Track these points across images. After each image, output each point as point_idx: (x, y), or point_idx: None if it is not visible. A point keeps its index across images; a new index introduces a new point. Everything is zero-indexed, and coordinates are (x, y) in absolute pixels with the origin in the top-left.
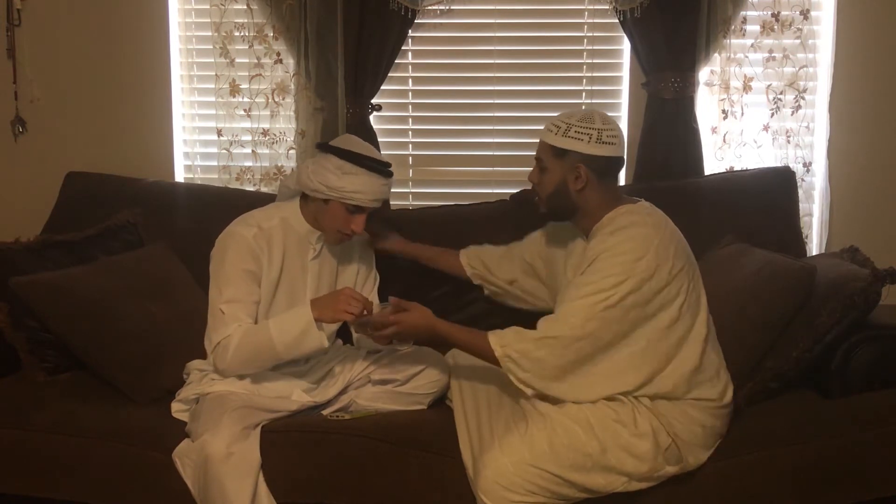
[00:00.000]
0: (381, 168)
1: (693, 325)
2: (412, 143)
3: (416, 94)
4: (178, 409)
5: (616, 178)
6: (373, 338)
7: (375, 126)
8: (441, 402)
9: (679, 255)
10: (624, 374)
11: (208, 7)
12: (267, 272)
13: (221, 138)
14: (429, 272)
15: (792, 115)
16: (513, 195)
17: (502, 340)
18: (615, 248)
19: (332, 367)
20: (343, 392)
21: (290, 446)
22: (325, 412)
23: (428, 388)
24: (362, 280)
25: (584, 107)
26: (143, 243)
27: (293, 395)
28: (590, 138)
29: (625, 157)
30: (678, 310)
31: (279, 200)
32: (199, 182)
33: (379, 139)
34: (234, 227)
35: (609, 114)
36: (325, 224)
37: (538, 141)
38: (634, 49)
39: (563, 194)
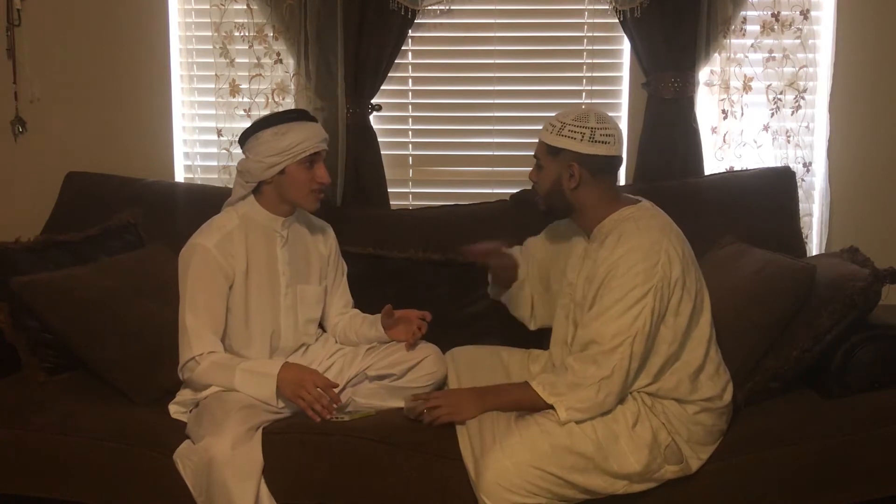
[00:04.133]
0: (304, 115)
1: (698, 326)
2: (412, 143)
3: (416, 94)
4: (176, 411)
5: (613, 177)
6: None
7: (375, 126)
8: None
9: (686, 256)
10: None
11: (208, 7)
12: (237, 273)
13: (221, 138)
14: (427, 272)
15: (792, 115)
16: (513, 195)
17: (560, 399)
18: (628, 258)
19: (330, 367)
20: (341, 391)
21: (291, 448)
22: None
23: (425, 380)
24: (333, 268)
25: (584, 106)
26: (143, 243)
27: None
28: (582, 137)
29: (622, 155)
30: (689, 310)
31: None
32: (199, 182)
33: (379, 139)
34: (195, 238)
35: (609, 114)
36: (295, 193)
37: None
38: (634, 49)
39: (558, 193)
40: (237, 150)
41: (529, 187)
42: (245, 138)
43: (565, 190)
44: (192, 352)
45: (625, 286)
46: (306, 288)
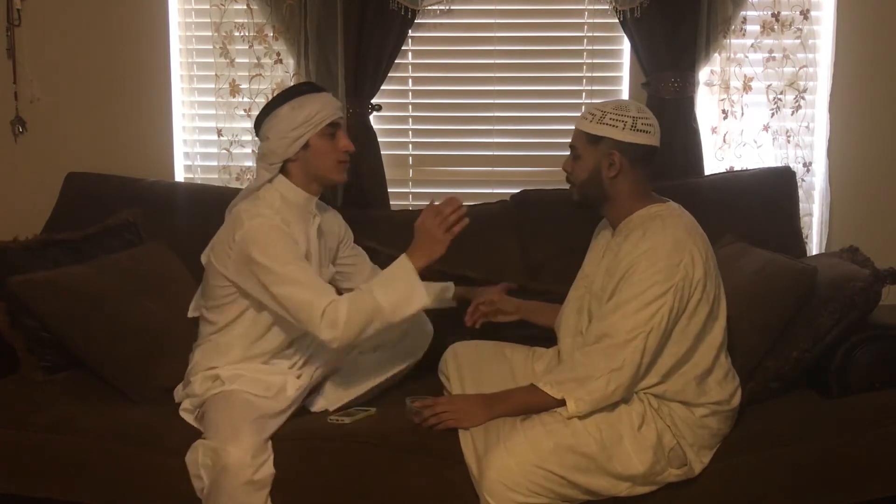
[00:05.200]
0: (314, 87)
1: (711, 331)
2: (412, 143)
3: (416, 94)
4: (185, 408)
5: (649, 170)
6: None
7: (375, 126)
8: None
9: (709, 260)
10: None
11: (208, 7)
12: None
13: (221, 138)
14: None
15: (792, 115)
16: (513, 195)
17: (570, 393)
18: (651, 255)
19: (311, 350)
20: (334, 374)
21: (292, 453)
22: (314, 409)
23: (422, 339)
24: (347, 246)
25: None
26: (143, 243)
27: (288, 388)
28: (624, 125)
29: (659, 146)
30: (705, 314)
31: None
32: (199, 182)
33: (379, 139)
34: (257, 219)
35: None
36: (321, 165)
37: (572, 129)
38: (634, 49)
39: (595, 181)
40: (237, 150)
41: (530, 187)
42: (261, 121)
43: (604, 178)
44: (323, 301)
45: (645, 281)
46: (323, 270)
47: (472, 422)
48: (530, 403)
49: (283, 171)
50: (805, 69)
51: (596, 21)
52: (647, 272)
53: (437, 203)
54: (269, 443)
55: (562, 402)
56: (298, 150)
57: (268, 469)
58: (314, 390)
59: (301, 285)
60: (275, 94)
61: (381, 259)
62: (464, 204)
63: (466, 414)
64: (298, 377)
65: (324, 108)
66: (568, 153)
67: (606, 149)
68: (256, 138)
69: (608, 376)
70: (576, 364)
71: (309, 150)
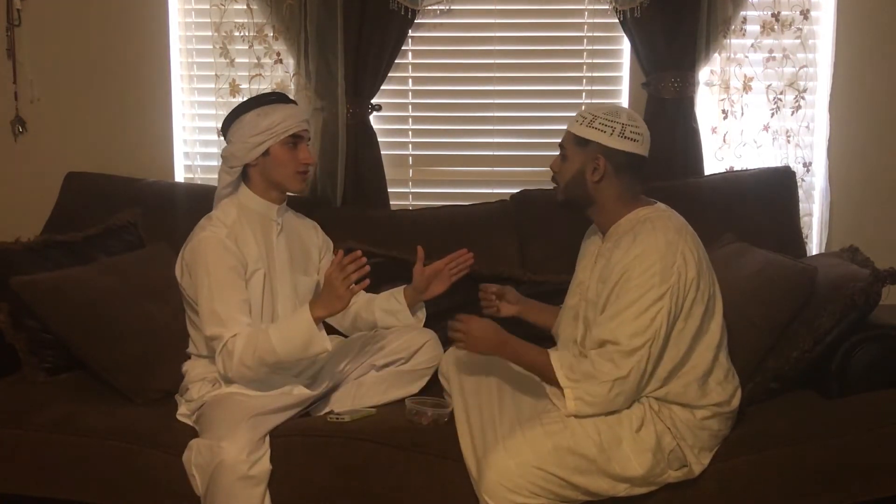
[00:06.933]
0: (284, 97)
1: (708, 330)
2: (412, 143)
3: (416, 94)
4: (181, 413)
5: (636, 177)
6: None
7: (375, 126)
8: (440, 398)
9: (702, 258)
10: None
11: (208, 7)
12: (249, 263)
13: (221, 138)
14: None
15: (792, 115)
16: (513, 195)
17: (574, 385)
18: (644, 259)
19: (321, 364)
20: (342, 384)
21: (292, 451)
22: (321, 412)
23: (429, 362)
24: (329, 259)
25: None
26: (144, 243)
27: (294, 391)
28: (612, 131)
29: (647, 157)
30: (700, 314)
31: (219, 199)
32: (199, 182)
33: (379, 139)
34: (202, 232)
35: None
36: (279, 173)
37: (564, 129)
38: (634, 49)
39: (579, 184)
40: None
41: (530, 187)
42: (227, 125)
43: (588, 182)
44: (227, 333)
45: (642, 286)
46: (301, 278)
47: (476, 348)
48: (537, 367)
49: (244, 175)
50: (805, 69)
51: (596, 21)
52: (642, 277)
53: (343, 258)
54: (266, 439)
55: (560, 389)
56: (258, 157)
57: (264, 465)
58: (320, 399)
59: (217, 313)
60: (243, 101)
61: (375, 261)
62: (458, 203)
63: (476, 340)
64: (308, 387)
65: (288, 118)
66: None
67: (592, 153)
68: (222, 138)
69: (612, 383)
70: (587, 359)
71: (269, 157)
